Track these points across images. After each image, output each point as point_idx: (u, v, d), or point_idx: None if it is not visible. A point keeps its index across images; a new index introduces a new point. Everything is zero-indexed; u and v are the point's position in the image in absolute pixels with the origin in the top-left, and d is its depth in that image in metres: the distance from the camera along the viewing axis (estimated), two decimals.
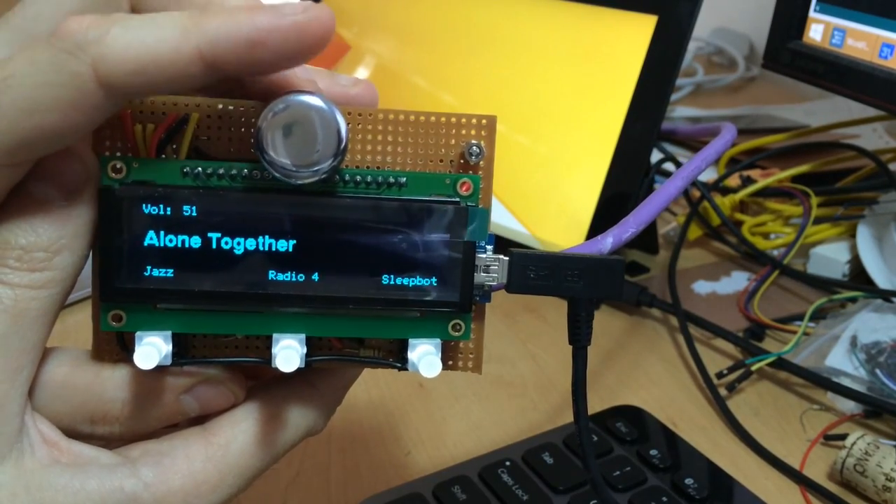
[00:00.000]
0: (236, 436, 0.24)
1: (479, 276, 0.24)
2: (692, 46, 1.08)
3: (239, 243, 0.23)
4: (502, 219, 0.57)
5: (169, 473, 0.23)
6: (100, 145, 0.23)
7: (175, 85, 0.21)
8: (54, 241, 0.22)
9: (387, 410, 0.43)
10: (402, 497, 0.35)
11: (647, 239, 0.59)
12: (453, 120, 0.24)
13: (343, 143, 0.22)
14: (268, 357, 0.24)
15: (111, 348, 0.24)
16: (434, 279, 0.24)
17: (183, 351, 0.24)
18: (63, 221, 0.22)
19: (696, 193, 0.58)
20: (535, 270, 0.25)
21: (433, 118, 0.24)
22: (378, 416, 0.43)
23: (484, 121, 0.24)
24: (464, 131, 0.24)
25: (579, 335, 0.26)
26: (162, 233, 0.23)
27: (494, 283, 0.25)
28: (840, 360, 0.45)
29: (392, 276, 0.24)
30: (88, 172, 0.22)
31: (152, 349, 0.23)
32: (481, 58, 0.61)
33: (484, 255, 0.24)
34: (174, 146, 0.23)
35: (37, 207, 0.22)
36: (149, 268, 0.23)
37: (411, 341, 0.25)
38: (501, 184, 0.57)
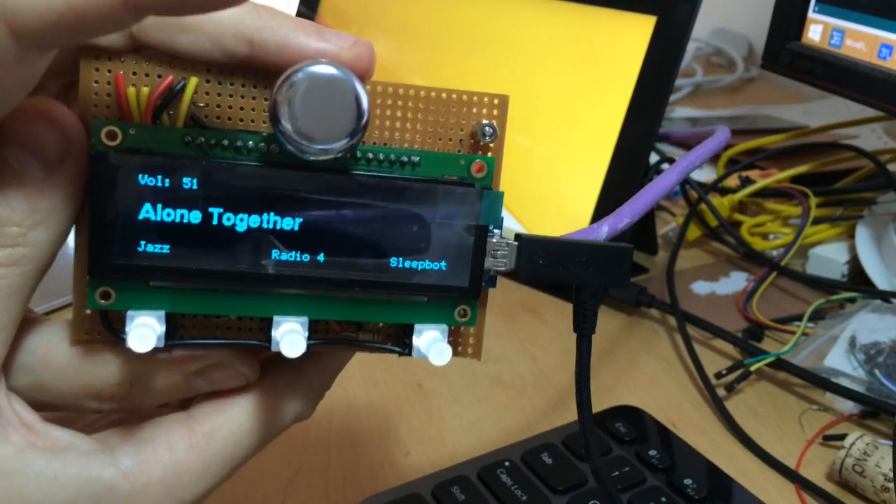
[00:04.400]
0: (221, 424, 0.23)
1: (488, 261, 0.24)
2: (691, 47, 1.08)
3: (242, 220, 0.21)
4: None
5: (149, 462, 0.22)
6: (90, 109, 0.21)
7: (101, 31, 0.19)
8: (29, 215, 0.20)
9: (386, 411, 0.43)
10: (402, 497, 0.35)
11: (646, 239, 0.59)
12: (465, 98, 0.23)
13: (364, 119, 0.21)
14: (264, 339, 0.23)
15: (93, 327, 0.22)
16: (443, 263, 0.23)
17: (172, 332, 0.22)
18: (40, 195, 0.20)
19: (695, 194, 0.58)
20: (543, 256, 0.24)
21: (444, 95, 0.23)
22: (377, 416, 0.43)
23: (496, 100, 0.24)
24: (475, 110, 0.24)
25: (585, 322, 0.25)
26: (159, 206, 0.21)
27: (502, 268, 0.24)
28: (839, 361, 0.45)
29: (400, 259, 0.23)
30: (70, 142, 0.21)
31: (148, 331, 0.21)
32: (480, 58, 0.61)
33: (494, 240, 0.24)
34: (170, 112, 0.21)
35: (11, 178, 0.20)
36: (143, 243, 0.21)
37: (417, 327, 0.24)
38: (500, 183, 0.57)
